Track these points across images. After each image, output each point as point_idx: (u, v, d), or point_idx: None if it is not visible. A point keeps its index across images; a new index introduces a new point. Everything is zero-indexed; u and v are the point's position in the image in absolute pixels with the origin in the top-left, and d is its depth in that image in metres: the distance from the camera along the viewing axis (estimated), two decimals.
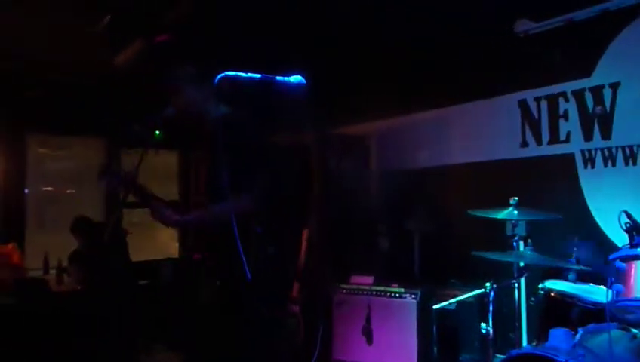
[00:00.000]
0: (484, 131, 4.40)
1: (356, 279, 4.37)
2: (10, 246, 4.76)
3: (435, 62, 4.63)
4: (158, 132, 6.04)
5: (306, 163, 4.88)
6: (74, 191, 6.35)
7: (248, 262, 2.02)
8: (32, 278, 4.66)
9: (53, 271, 4.99)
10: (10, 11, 3.77)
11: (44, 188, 6.24)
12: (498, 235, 3.53)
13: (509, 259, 3.04)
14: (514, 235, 3.19)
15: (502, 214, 3.11)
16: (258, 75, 2.09)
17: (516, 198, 3.14)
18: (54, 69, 5.11)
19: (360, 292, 4.26)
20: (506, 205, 3.13)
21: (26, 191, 5.90)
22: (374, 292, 4.18)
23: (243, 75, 2.07)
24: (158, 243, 6.42)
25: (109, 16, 3.67)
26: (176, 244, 6.53)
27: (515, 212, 3.09)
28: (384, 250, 4.92)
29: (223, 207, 2.23)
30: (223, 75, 2.04)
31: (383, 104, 4.86)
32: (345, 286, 4.36)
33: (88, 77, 5.12)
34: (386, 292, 4.15)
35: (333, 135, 5.03)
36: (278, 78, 2.12)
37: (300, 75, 2.15)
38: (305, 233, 4.50)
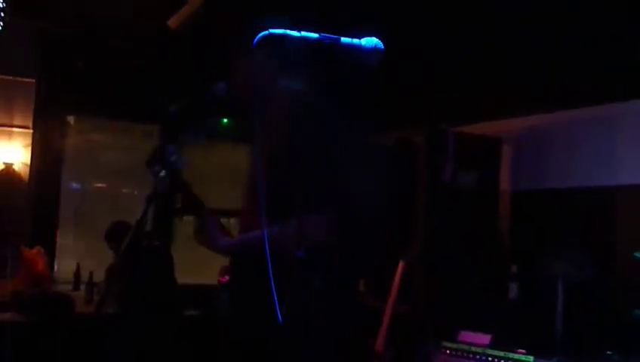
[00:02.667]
0: None
1: (467, 336, 4.15)
2: (35, 250, 4.99)
3: (602, 36, 4.29)
4: (225, 119, 6.09)
5: (410, 169, 4.71)
6: (130, 190, 6.59)
7: (281, 298, 1.83)
8: (55, 293, 4.84)
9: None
10: None
11: (96, 185, 6.55)
12: None
13: None
14: None
15: None
16: (315, 35, 1.91)
17: None
18: (104, 31, 5.30)
19: (470, 355, 4.05)
20: None
21: (75, 186, 6.22)
22: (490, 358, 3.95)
23: (294, 33, 1.90)
24: (216, 262, 6.46)
25: None
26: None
27: None
28: (512, 300, 4.75)
29: (284, 230, 2.09)
30: (265, 32, 1.88)
31: (524, 94, 4.62)
32: (450, 344, 4.16)
33: (143, 43, 5.27)
34: (507, 358, 3.90)
35: (450, 133, 4.79)
36: (343, 39, 1.92)
37: (376, 38, 1.93)
38: (400, 266, 4.35)
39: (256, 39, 1.90)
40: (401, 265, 4.37)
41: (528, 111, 4.88)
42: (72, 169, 6.16)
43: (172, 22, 4.22)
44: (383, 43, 2.02)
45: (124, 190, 6.63)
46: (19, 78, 5.45)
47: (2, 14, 4.84)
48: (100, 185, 6.54)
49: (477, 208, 4.83)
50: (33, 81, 5.48)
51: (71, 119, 6.05)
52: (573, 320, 4.30)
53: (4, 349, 4.10)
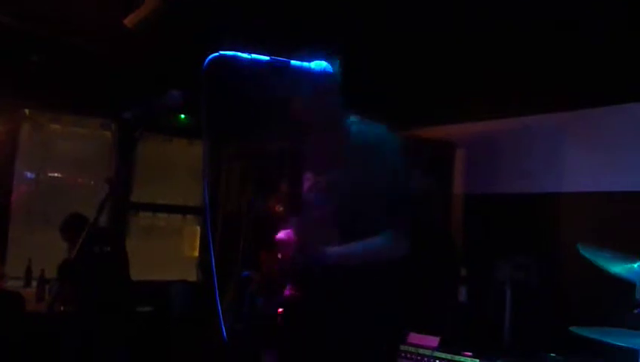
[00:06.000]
0: (623, 149, 4.14)
1: (416, 338, 4.13)
2: None
3: (556, 45, 4.33)
4: (183, 115, 6.08)
5: None
6: (87, 180, 6.49)
7: (225, 317, 1.88)
8: (5, 291, 4.76)
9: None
10: None
11: (50, 174, 6.42)
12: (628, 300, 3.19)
13: (626, 345, 2.68)
14: None
15: (621, 268, 2.74)
16: (266, 58, 1.95)
17: None
18: (59, 27, 5.22)
19: (419, 357, 4.02)
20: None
21: (29, 175, 6.10)
22: (437, 360, 3.93)
23: (245, 55, 1.93)
24: (170, 258, 6.43)
25: None
26: (196, 262, 6.53)
27: None
28: (461, 303, 4.72)
29: (374, 246, 2.32)
30: (216, 54, 1.90)
31: (476, 99, 4.65)
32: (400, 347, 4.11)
33: (98, 41, 5.21)
34: (453, 361, 3.90)
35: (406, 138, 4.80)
36: (293, 62, 1.97)
37: (327, 60, 1.99)
38: None
39: (207, 60, 1.92)
40: None
41: (481, 117, 4.89)
42: (27, 159, 6.06)
43: (129, 20, 4.17)
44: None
45: (79, 180, 6.55)
46: None
47: None
48: (54, 175, 6.44)
49: (430, 211, 4.84)
50: None
51: (26, 110, 5.96)
52: (519, 323, 4.36)
53: None
